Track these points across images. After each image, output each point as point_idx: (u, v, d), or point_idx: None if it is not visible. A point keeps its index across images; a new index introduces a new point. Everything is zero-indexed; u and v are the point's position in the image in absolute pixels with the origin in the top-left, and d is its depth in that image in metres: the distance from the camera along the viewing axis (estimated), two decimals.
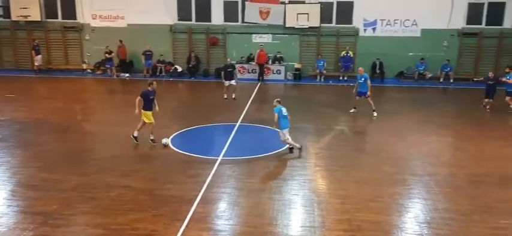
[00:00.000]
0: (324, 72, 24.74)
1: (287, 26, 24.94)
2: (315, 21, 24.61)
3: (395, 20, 24.51)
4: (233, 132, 14.28)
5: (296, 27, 24.85)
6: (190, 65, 25.61)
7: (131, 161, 11.78)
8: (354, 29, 24.97)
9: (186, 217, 8.54)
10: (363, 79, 16.66)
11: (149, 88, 12.93)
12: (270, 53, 25.26)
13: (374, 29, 24.84)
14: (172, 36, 26.23)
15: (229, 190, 10.02)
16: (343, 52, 24.57)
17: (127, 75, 25.76)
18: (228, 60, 21.10)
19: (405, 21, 24.46)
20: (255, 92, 21.42)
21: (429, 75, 24.16)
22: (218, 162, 11.56)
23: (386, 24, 24.65)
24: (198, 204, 9.13)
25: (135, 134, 13.00)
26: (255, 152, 12.30)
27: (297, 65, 25.39)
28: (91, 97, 22.04)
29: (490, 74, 18.15)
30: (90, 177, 10.55)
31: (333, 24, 25.12)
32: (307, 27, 24.78)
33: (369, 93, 16.53)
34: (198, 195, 9.51)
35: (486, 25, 24.21)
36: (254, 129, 14.86)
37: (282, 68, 25.22)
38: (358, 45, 24.91)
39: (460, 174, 11.18)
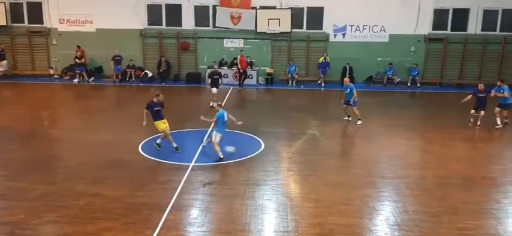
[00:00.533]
0: (296, 76, 24.94)
1: (258, 31, 25.04)
2: (286, 26, 24.80)
3: (364, 25, 24.96)
4: (205, 138, 14.20)
5: (267, 32, 24.96)
6: (160, 70, 25.36)
7: (100, 168, 11.52)
8: (325, 34, 25.28)
9: (157, 224, 8.42)
10: (348, 90, 16.65)
11: (154, 99, 12.78)
12: None
13: (344, 35, 25.21)
14: (143, 41, 25.94)
15: (201, 196, 9.95)
16: (321, 58, 24.82)
17: (92, 78, 25.36)
18: (215, 67, 20.92)
19: (373, 26, 24.95)
20: (227, 97, 21.38)
21: (397, 80, 24.69)
22: (190, 168, 11.46)
23: (356, 30, 25.07)
24: (169, 211, 9.02)
25: (174, 145, 12.83)
26: (227, 158, 12.25)
27: (268, 70, 25.51)
28: (58, 103, 21.52)
29: (480, 86, 16.34)
30: (57, 185, 10.28)
31: (304, 30, 25.37)
32: (278, 32, 24.93)
33: (351, 101, 16.51)
34: (169, 202, 9.40)
35: (451, 31, 24.94)
36: (226, 135, 14.79)
37: (254, 73, 25.29)
38: (328, 50, 25.22)
39: (428, 176, 11.45)
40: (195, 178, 10.85)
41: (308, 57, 25.48)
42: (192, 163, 11.75)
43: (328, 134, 15.51)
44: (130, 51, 25.47)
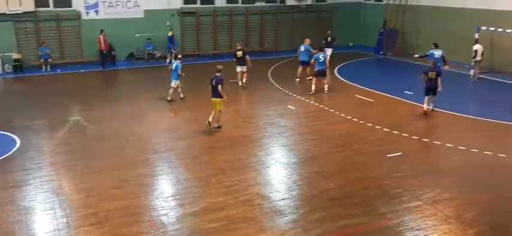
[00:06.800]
0: (50, 60, 22.75)
1: None
2: (29, 5, 22.18)
3: (117, 1, 24.32)
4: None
5: (7, 13, 21.90)
6: None
7: None
8: (76, 12, 23.65)
9: None
10: None
11: (218, 74, 13.06)
12: None
13: (97, 11, 24.09)
14: None
15: None
16: (170, 32, 23.83)
17: None
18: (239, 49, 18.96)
19: (127, 2, 24.49)
20: None
21: (158, 54, 25.07)
22: None
23: (109, 6, 24.22)
24: None
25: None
26: None
27: (15, 55, 22.52)
28: None
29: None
30: None
31: (51, 8, 23.20)
32: (21, 12, 22.14)
33: None
34: None
35: (201, 4, 26.52)
36: None
37: None
38: (82, 29, 23.73)
39: (195, 144, 12.18)
40: None
41: (61, 38, 23.48)
42: None
43: (92, 118, 14.67)
44: None
